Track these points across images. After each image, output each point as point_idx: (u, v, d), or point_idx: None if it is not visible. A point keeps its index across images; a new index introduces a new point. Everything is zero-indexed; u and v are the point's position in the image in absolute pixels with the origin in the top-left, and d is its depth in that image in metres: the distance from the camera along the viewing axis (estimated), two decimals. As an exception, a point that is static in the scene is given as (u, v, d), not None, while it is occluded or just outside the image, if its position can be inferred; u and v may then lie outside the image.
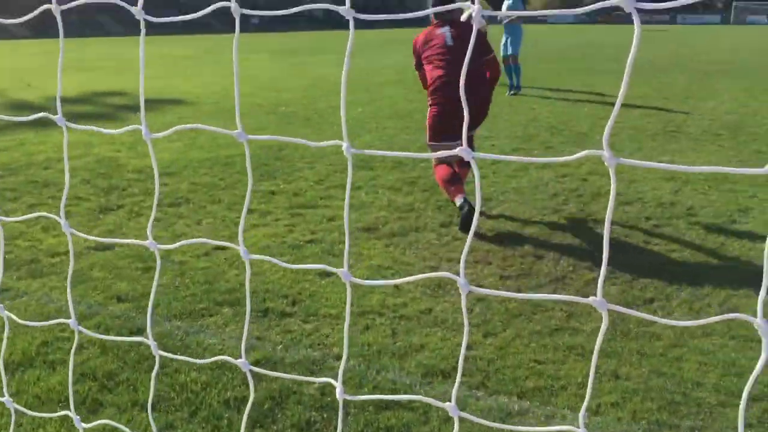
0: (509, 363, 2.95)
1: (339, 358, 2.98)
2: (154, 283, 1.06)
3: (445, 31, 4.96)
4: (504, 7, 12.25)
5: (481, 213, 4.77)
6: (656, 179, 6.08)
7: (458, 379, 0.89)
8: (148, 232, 1.06)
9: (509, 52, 12.11)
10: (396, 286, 3.80)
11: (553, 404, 2.66)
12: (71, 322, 1.16)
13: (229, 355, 3.02)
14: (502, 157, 0.77)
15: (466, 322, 0.84)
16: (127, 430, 1.32)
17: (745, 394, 0.83)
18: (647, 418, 2.57)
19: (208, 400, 2.65)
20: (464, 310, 0.80)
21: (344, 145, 0.84)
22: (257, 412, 2.57)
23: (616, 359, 2.97)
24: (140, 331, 3.23)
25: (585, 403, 0.90)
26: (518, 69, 12.22)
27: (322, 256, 4.26)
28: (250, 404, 1.26)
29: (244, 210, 0.92)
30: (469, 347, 3.09)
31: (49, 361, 2.94)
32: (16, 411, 1.45)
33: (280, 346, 3.11)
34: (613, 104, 10.67)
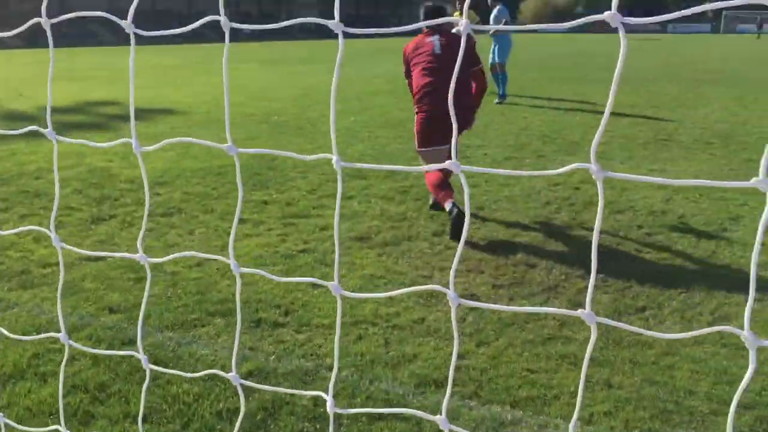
0: (502, 372, 2.95)
1: (332, 368, 2.97)
2: (144, 298, 1.06)
3: (434, 40, 5.06)
4: (492, 15, 12.33)
5: (462, 215, 4.77)
6: (647, 188, 6.11)
7: (448, 392, 0.89)
8: (139, 246, 1.05)
9: (496, 60, 12.21)
10: (389, 296, 3.79)
11: (546, 413, 2.66)
12: (61, 336, 1.16)
13: (221, 366, 3.02)
14: (491, 170, 0.77)
15: (456, 335, 0.84)
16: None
17: (733, 405, 0.83)
18: (640, 427, 2.57)
19: (200, 412, 2.64)
20: (454, 323, 0.80)
21: (334, 158, 0.84)
22: (250, 423, 2.56)
23: (608, 368, 2.98)
24: (132, 342, 3.21)
25: (575, 415, 0.90)
26: (505, 78, 12.30)
27: (315, 266, 4.25)
28: (242, 416, 1.26)
29: (235, 223, 0.93)
30: (461, 356, 3.09)
31: (40, 373, 2.92)
32: (6, 425, 1.44)
33: (273, 356, 3.10)
34: (604, 113, 10.73)
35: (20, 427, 1.55)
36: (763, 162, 0.66)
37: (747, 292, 3.78)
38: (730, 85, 15.30)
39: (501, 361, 3.05)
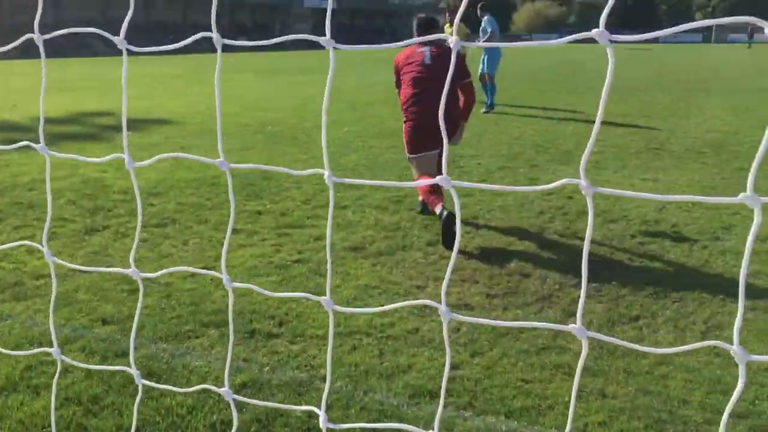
0: (496, 382, 2.95)
1: (326, 379, 2.96)
2: (137, 312, 1.06)
3: (425, 51, 5.18)
4: (481, 27, 12.43)
5: (453, 218, 4.83)
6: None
7: (440, 406, 0.89)
8: (131, 260, 1.05)
9: (485, 71, 12.30)
10: (383, 306, 3.79)
11: (541, 424, 2.66)
12: (54, 351, 1.15)
13: (215, 378, 3.01)
14: (481, 186, 0.78)
15: (447, 350, 0.85)
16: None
17: (725, 416, 0.84)
18: (634, 437, 2.57)
19: (194, 424, 2.63)
20: (446, 337, 0.80)
21: (326, 173, 0.85)
22: (244, 436, 2.55)
23: (602, 378, 2.98)
24: (125, 354, 3.20)
25: (569, 425, 0.91)
26: (493, 88, 12.38)
27: (310, 276, 4.25)
28: (235, 429, 1.26)
29: (227, 238, 0.93)
30: (456, 367, 3.09)
31: (32, 385, 2.91)
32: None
33: (267, 367, 3.09)
34: (594, 128, 10.78)
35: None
36: (750, 178, 0.66)
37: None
38: (721, 95, 15.41)
39: (495, 371, 3.05)
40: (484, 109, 12.11)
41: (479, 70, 12.26)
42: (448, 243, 4.72)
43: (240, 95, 15.31)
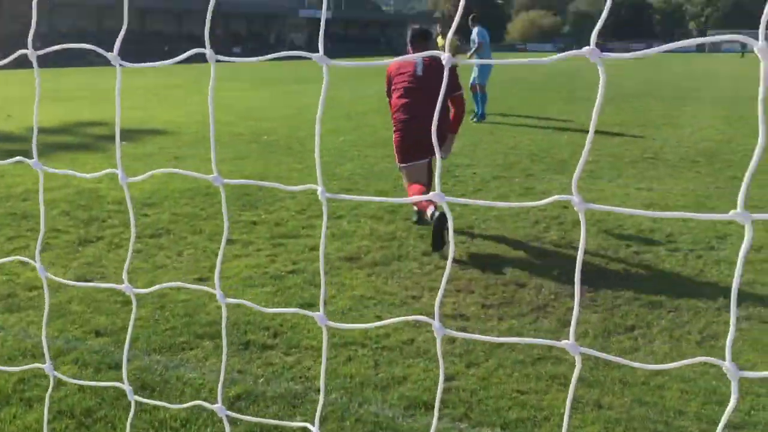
0: (492, 393, 2.95)
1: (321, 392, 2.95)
2: (130, 328, 1.05)
3: (417, 61, 5.24)
4: (476, 33, 12.49)
5: (444, 218, 4.88)
6: (636, 206, 6.15)
7: (435, 418, 0.89)
8: (124, 276, 1.05)
9: (476, 81, 12.38)
10: (378, 317, 3.79)
11: (537, 435, 2.65)
12: (46, 366, 1.15)
13: (209, 390, 2.99)
14: (473, 201, 0.78)
15: (441, 366, 0.84)
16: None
17: (720, 428, 0.83)
18: (630, 448, 2.56)
19: (187, 437, 2.61)
20: (440, 353, 0.80)
21: (319, 189, 0.85)
22: (238, 448, 2.54)
23: (598, 388, 2.97)
24: (119, 366, 3.18)
25: (563, 441, 0.90)
26: (484, 97, 12.44)
27: (304, 286, 4.24)
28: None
29: (221, 253, 0.92)
30: (451, 378, 3.08)
31: (25, 398, 2.88)
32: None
33: (262, 379, 3.08)
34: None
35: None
36: (740, 194, 0.67)
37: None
38: (715, 104, 15.49)
39: (491, 382, 3.04)
40: (473, 118, 12.15)
41: (470, 80, 12.37)
42: (438, 244, 4.76)
43: (235, 104, 15.32)
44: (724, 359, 2.59)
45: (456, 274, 4.44)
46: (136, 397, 1.04)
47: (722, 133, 10.85)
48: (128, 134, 10.38)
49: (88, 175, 1.04)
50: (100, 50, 1.03)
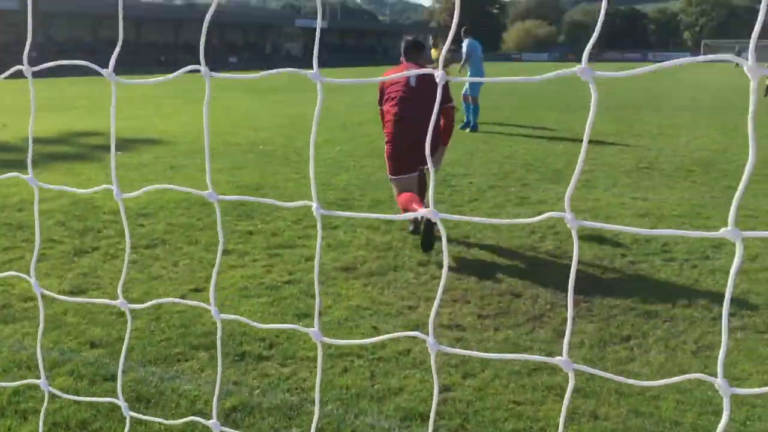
0: (488, 404, 2.94)
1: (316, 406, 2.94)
2: (124, 347, 1.05)
3: (410, 72, 5.22)
4: (466, 45, 12.60)
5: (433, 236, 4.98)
6: (631, 216, 6.17)
7: (430, 429, 0.89)
8: (119, 291, 1.05)
9: (468, 92, 12.51)
10: (374, 327, 3.78)
11: (533, 446, 2.65)
12: (41, 382, 1.14)
13: (205, 402, 2.98)
14: (466, 218, 0.78)
15: (435, 382, 0.84)
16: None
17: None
18: (626, 459, 2.56)
19: (183, 449, 2.60)
20: (434, 369, 0.80)
21: (314, 205, 0.85)
22: (233, 461, 2.52)
23: (594, 399, 2.97)
24: (114, 378, 3.17)
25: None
26: (476, 109, 12.53)
27: (300, 297, 4.23)
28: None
29: (215, 272, 0.93)
30: (447, 389, 3.08)
31: (20, 410, 2.87)
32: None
33: (257, 390, 3.07)
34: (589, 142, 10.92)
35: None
36: (731, 213, 0.67)
37: (730, 321, 3.81)
38: (710, 113, 15.56)
39: (487, 393, 3.04)
40: (462, 127, 12.18)
41: (462, 91, 12.56)
42: (427, 245, 4.86)
43: (231, 114, 15.34)
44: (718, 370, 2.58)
45: (452, 284, 4.45)
46: (132, 414, 1.04)
47: (717, 142, 10.90)
48: (124, 144, 10.38)
49: (84, 191, 1.04)
50: (95, 67, 1.04)
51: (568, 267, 4.79)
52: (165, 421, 1.13)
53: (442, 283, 0.82)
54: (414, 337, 3.61)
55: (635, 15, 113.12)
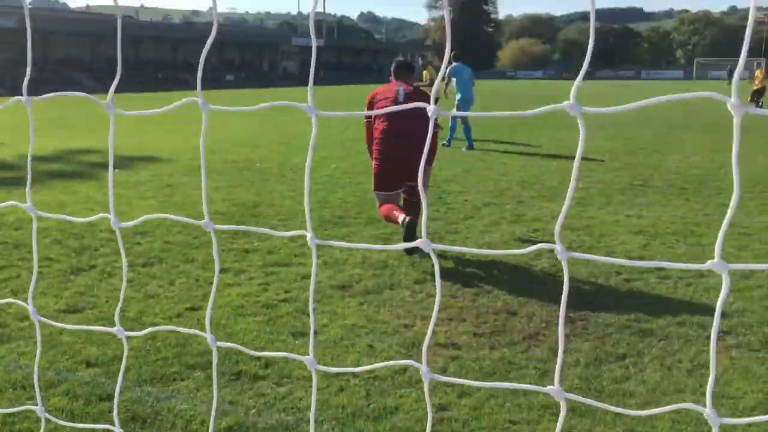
0: (484, 424, 2.94)
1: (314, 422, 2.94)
2: (121, 372, 1.06)
3: (399, 89, 5.52)
4: (448, 69, 12.86)
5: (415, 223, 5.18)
6: (625, 233, 6.20)
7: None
8: (116, 318, 1.06)
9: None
10: (370, 346, 3.79)
11: (529, 466, 2.65)
12: (38, 409, 1.15)
13: (201, 422, 2.98)
14: (459, 248, 0.80)
15: (429, 408, 0.86)
16: None
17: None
18: (622, 479, 2.56)
19: (178, 470, 2.59)
20: (428, 398, 0.82)
21: (309, 235, 0.87)
22: (229, 482, 2.52)
23: (590, 418, 2.98)
24: (110, 398, 3.16)
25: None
26: (467, 129, 12.66)
27: (296, 315, 4.23)
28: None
29: (212, 298, 0.94)
30: (443, 408, 3.08)
31: (15, 431, 2.86)
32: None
33: (253, 410, 3.07)
34: (583, 159, 11.00)
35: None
36: (717, 245, 0.69)
37: (725, 339, 3.82)
38: (703, 131, 15.67)
39: (483, 412, 3.04)
40: (444, 143, 12.72)
41: (452, 111, 12.83)
42: (409, 249, 4.94)
43: (228, 131, 15.39)
44: (716, 389, 2.59)
45: (447, 302, 4.46)
46: (130, 437, 1.05)
47: (711, 160, 10.97)
48: (121, 161, 10.40)
49: (82, 219, 1.06)
50: (94, 98, 1.06)
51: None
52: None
53: (434, 314, 0.83)
54: (410, 356, 3.62)
55: (628, 33, 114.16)
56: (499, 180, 9.10)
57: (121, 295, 1.06)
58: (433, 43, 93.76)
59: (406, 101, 5.36)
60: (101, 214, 1.15)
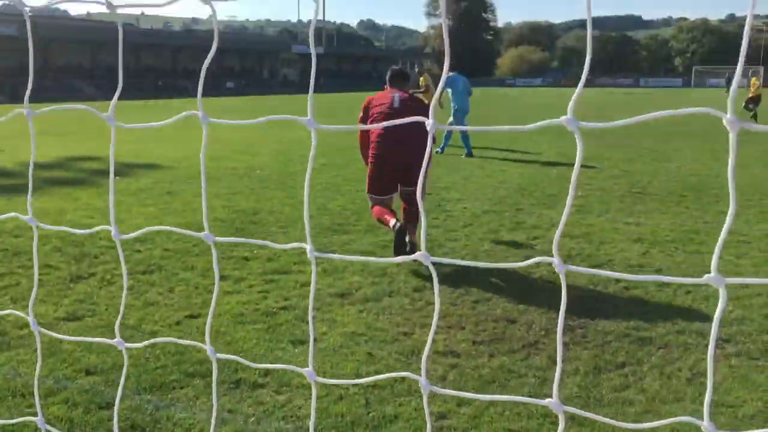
0: (484, 432, 2.94)
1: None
2: (121, 385, 1.06)
3: (394, 95, 5.63)
4: (442, 81, 12.91)
5: (405, 230, 5.28)
6: (624, 241, 6.20)
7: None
8: (116, 330, 1.07)
9: (452, 123, 12.88)
10: (369, 353, 3.79)
11: (528, 475, 2.64)
12: (38, 420, 1.16)
13: (200, 430, 2.98)
14: (457, 261, 0.81)
15: (428, 419, 0.86)
16: None
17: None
18: (622, 488, 2.56)
19: (177, 479, 2.59)
20: (426, 408, 0.82)
21: (308, 247, 0.87)
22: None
23: (589, 428, 2.97)
24: (109, 406, 3.16)
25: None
26: (466, 137, 12.83)
27: (296, 323, 4.24)
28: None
29: (211, 311, 0.95)
30: (442, 416, 3.08)
31: (13, 439, 2.86)
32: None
33: (252, 418, 3.06)
34: (582, 166, 10.99)
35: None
36: (713, 260, 0.70)
37: (724, 348, 3.83)
38: (701, 138, 15.70)
39: (482, 420, 3.04)
40: (437, 151, 12.88)
41: (448, 122, 12.98)
42: (399, 251, 5.16)
43: (228, 138, 15.41)
44: (715, 397, 2.60)
45: (447, 309, 4.46)
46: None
47: (709, 167, 10.99)
48: (122, 168, 10.41)
49: (82, 231, 1.07)
50: (94, 111, 1.06)
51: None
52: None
53: (433, 326, 0.84)
54: (409, 364, 3.62)
55: (627, 41, 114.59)
56: (498, 187, 9.12)
57: (122, 307, 1.07)
58: (432, 51, 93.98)
59: (401, 107, 5.49)
60: (102, 227, 1.15)
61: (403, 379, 3.44)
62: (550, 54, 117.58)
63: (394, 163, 5.45)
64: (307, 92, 0.99)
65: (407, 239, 5.31)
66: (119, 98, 1.28)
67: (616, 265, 5.40)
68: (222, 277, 5.10)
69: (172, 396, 3.27)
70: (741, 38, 0.77)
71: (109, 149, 1.11)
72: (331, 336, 4.02)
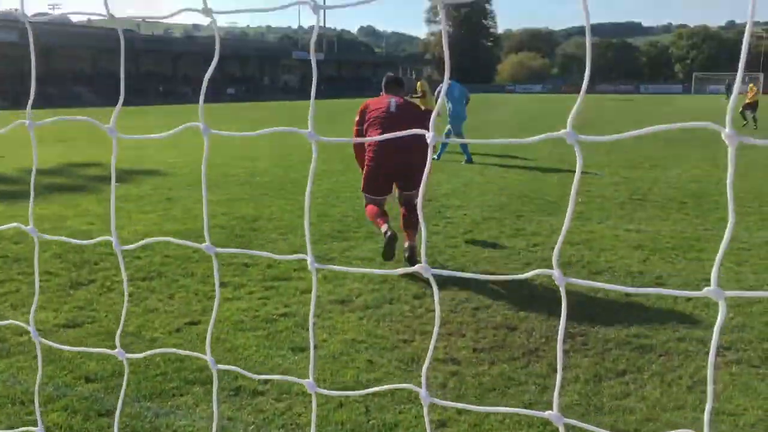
0: (484, 440, 2.93)
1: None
2: (122, 394, 1.06)
3: (391, 100, 5.77)
4: (442, 88, 12.95)
5: (396, 237, 5.41)
6: (625, 248, 6.20)
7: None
8: (117, 340, 1.07)
9: (451, 132, 13.00)
10: (369, 361, 3.78)
11: (529, 483, 2.64)
12: (38, 430, 1.15)
13: (199, 438, 2.97)
14: (457, 273, 0.81)
15: (428, 428, 0.86)
16: None
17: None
18: (622, 497, 2.55)
19: (177, 487, 2.58)
20: (426, 419, 0.82)
21: (309, 258, 0.88)
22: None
23: (590, 435, 2.97)
24: (109, 413, 3.16)
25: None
26: (464, 146, 12.88)
27: (296, 330, 4.23)
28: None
29: (212, 322, 0.95)
30: (443, 424, 3.07)
31: (12, 447, 2.85)
32: None
33: (252, 426, 3.06)
34: (583, 173, 11.01)
35: None
36: (713, 273, 0.70)
37: (725, 355, 3.82)
38: (702, 145, 15.72)
39: (482, 428, 3.03)
40: (434, 157, 12.90)
41: (445, 131, 13.18)
42: (387, 256, 5.39)
43: (229, 144, 15.42)
44: (715, 405, 2.59)
45: (447, 317, 4.45)
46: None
47: (709, 174, 11.00)
48: (122, 174, 10.42)
49: (84, 241, 1.07)
50: (96, 122, 1.07)
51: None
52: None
53: (434, 339, 0.84)
54: (409, 371, 3.61)
55: (627, 48, 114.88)
56: (499, 194, 9.12)
57: (123, 316, 1.07)
58: (432, 57, 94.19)
59: (397, 111, 5.64)
60: (102, 237, 1.15)
61: (403, 386, 3.43)
62: (550, 61, 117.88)
63: (391, 165, 5.58)
64: (308, 98, 0.99)
65: (406, 245, 5.46)
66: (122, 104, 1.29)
67: (616, 272, 5.40)
68: (222, 284, 5.10)
69: (172, 403, 3.26)
70: (741, 45, 0.78)
71: (109, 155, 1.11)
72: (331, 343, 4.01)
